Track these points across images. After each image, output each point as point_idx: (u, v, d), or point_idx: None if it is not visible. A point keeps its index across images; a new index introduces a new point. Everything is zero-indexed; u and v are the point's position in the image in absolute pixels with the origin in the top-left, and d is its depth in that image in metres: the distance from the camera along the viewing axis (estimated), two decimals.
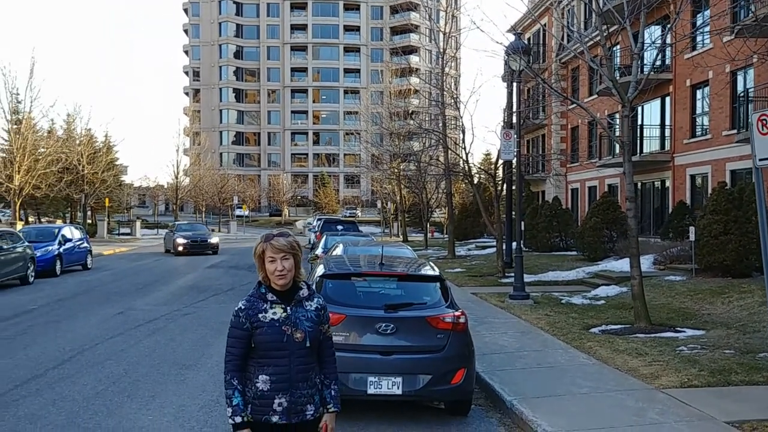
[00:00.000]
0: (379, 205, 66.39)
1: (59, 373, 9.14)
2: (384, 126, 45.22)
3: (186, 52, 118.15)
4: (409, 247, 13.72)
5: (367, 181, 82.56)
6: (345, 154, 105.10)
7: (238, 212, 72.01)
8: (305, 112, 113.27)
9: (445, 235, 40.47)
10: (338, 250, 13.71)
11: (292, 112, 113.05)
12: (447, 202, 34.20)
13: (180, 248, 33.25)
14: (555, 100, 33.38)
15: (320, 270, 7.94)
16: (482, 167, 34.25)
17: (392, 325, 7.06)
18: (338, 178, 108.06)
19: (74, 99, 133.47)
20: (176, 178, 63.27)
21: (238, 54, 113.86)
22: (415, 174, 38.90)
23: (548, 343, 11.05)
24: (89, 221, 52.30)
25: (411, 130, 38.69)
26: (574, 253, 26.67)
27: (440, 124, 29.57)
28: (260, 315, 3.61)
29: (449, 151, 28.85)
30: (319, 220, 37.92)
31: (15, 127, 38.95)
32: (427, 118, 39.14)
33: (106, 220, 50.34)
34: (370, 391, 6.96)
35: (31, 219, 49.69)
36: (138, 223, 54.21)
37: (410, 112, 45.79)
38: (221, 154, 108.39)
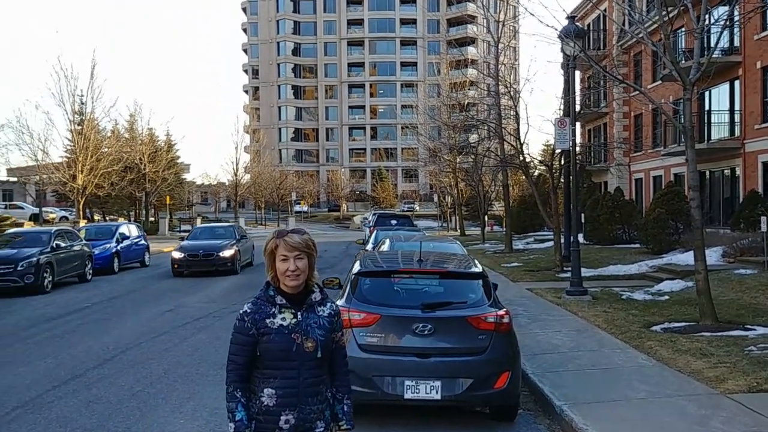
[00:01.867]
0: (435, 198, 65.80)
1: (99, 373, 9.05)
2: (441, 119, 44.65)
3: (245, 51, 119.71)
4: (458, 243, 13.22)
5: (424, 175, 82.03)
6: (402, 149, 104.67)
7: (296, 208, 72.48)
8: (362, 107, 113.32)
9: (505, 229, 39.69)
10: (384, 246, 13.34)
11: (350, 107, 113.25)
12: (503, 194, 33.45)
13: (175, 266, 22.03)
14: (616, 87, 32.21)
15: (356, 267, 7.57)
16: (542, 158, 33.26)
17: (430, 326, 6.64)
18: (396, 172, 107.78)
19: (135, 98, 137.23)
20: (235, 175, 64.02)
21: (296, 51, 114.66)
22: (472, 166, 38.24)
23: (605, 343, 10.43)
24: (152, 219, 53.43)
25: (466, 122, 37.98)
26: (637, 246, 25.62)
27: (495, 115, 28.84)
28: (267, 320, 3.25)
29: (505, 142, 28.12)
30: (374, 215, 37.68)
31: (78, 127, 39.97)
32: (482, 109, 38.42)
33: (167, 217, 51.27)
34: (407, 395, 6.56)
35: (96, 217, 50.98)
36: (198, 220, 55.05)
37: (466, 103, 45.05)
38: (280, 150, 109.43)
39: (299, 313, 3.28)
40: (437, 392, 6.55)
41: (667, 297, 14.60)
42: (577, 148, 20.45)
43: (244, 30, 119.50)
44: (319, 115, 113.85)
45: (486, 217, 44.07)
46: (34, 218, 44.59)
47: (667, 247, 22.18)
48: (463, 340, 6.73)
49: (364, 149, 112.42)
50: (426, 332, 6.63)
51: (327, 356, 3.33)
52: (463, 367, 6.65)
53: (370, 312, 6.79)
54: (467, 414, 7.29)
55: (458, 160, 43.12)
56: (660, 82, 30.27)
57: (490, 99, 32.58)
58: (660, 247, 22.35)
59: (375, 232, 20.57)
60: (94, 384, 8.48)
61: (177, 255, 22.41)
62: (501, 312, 6.93)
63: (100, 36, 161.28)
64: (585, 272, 17.89)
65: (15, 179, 50.53)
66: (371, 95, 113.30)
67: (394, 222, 27.98)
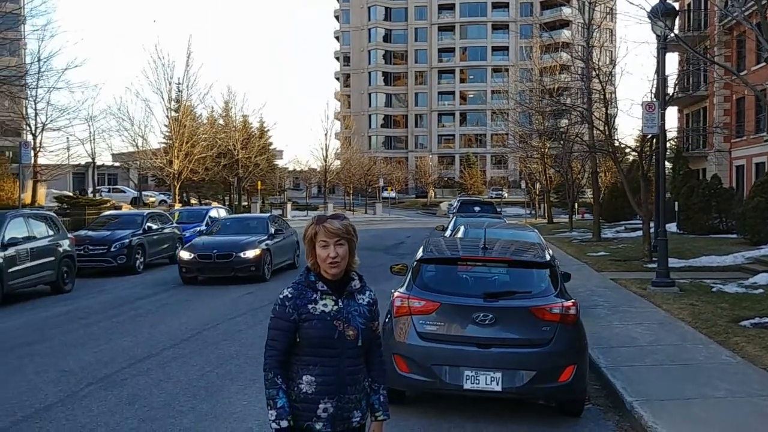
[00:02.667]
0: (523, 185, 64.61)
1: (173, 353, 9.34)
2: (531, 104, 43.71)
3: (337, 38, 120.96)
4: (536, 231, 12.84)
5: (514, 162, 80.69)
6: (492, 134, 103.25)
7: (384, 194, 72.85)
8: (452, 93, 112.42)
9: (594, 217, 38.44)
10: (459, 232, 13.15)
11: (439, 93, 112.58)
12: (592, 181, 32.42)
13: (183, 269, 16.96)
14: (716, 69, 30.50)
15: (419, 254, 7.46)
16: (636, 144, 31.91)
17: (491, 315, 6.46)
18: (485, 158, 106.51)
19: (228, 84, 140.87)
20: (325, 161, 64.93)
21: (387, 37, 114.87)
22: (561, 152, 37.23)
23: (687, 337, 9.91)
24: (244, 203, 54.96)
25: (556, 107, 36.98)
26: (735, 236, 24.29)
27: (585, 99, 27.93)
28: (309, 306, 3.19)
29: (594, 128, 27.19)
30: (458, 201, 37.37)
31: (174, 114, 41.50)
32: (573, 94, 37.31)
33: (259, 202, 52.59)
34: (467, 386, 6.41)
35: (193, 201, 52.89)
36: (289, 205, 56.27)
37: (557, 88, 43.86)
38: (370, 137, 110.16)
39: (340, 300, 3.22)
40: (498, 384, 6.39)
41: (761, 290, 13.73)
42: (671, 133, 19.53)
43: (337, 17, 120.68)
44: (408, 101, 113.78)
45: (576, 205, 42.92)
46: (135, 202, 46.75)
47: (766, 237, 20.92)
48: (525, 331, 6.53)
49: (453, 135, 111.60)
50: (487, 322, 6.47)
51: (366, 345, 3.29)
52: (525, 358, 6.45)
53: (430, 299, 6.68)
54: (530, 407, 7.07)
55: (547, 145, 42.12)
56: (764, 64, 28.50)
57: (580, 83, 31.66)
58: (758, 237, 21.10)
59: (454, 218, 20.34)
60: (168, 363, 8.75)
61: (185, 256, 17.08)
62: (567, 303, 6.67)
63: (195, 23, 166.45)
64: (675, 263, 17.11)
65: (119, 164, 53.14)
66: (461, 81, 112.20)
67: (477, 209, 27.64)
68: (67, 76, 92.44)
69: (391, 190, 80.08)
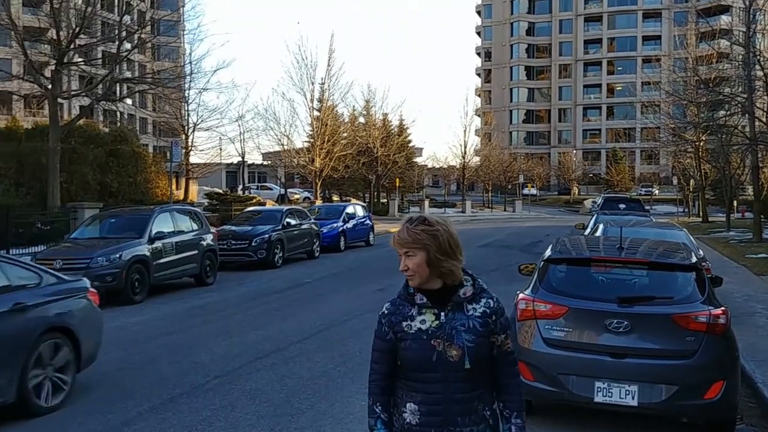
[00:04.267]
0: (675, 182, 60.81)
1: (299, 348, 9.37)
2: (686, 95, 41.02)
3: (478, 33, 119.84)
4: (684, 231, 11.82)
5: (665, 157, 76.25)
6: (642, 128, 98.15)
7: (525, 191, 71.21)
8: (598, 86, 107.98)
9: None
10: (598, 231, 12.36)
11: (585, 86, 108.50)
12: (752, 177, 29.85)
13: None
14: None
15: (546, 253, 6.95)
16: None
17: (626, 322, 5.87)
18: (634, 153, 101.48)
19: (368, 82, 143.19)
20: (463, 158, 64.39)
21: (530, 31, 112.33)
22: (718, 146, 34.62)
23: None
24: (383, 200, 55.61)
25: (712, 97, 34.43)
26: None
27: (745, 88, 25.77)
28: (404, 323, 2.77)
29: (756, 119, 25.00)
30: (602, 198, 35.68)
31: (316, 113, 42.63)
32: (732, 83, 34.57)
33: (397, 199, 53.00)
34: (598, 399, 5.87)
35: (335, 198, 54.23)
36: (426, 202, 56.27)
37: (713, 77, 40.86)
38: (510, 133, 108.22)
39: (443, 313, 2.76)
40: (633, 398, 5.80)
41: None
42: None
43: (478, 12, 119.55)
44: (551, 95, 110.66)
45: (734, 203, 39.78)
46: (280, 199, 48.60)
47: None
48: (666, 341, 5.89)
49: (599, 130, 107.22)
50: (621, 329, 5.88)
51: (480, 367, 2.74)
52: (666, 371, 5.82)
53: (556, 303, 6.18)
54: (671, 425, 6.40)
55: (703, 139, 39.37)
56: None
57: (740, 71, 29.27)
58: None
59: (595, 216, 19.32)
60: (292, 359, 8.78)
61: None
62: (716, 311, 5.94)
63: (335, 21, 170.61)
64: None
65: (267, 163, 55.57)
66: (608, 73, 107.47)
67: (622, 206, 26.13)
68: (216, 78, 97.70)
69: (532, 186, 78.09)
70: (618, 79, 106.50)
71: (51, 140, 22.75)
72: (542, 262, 6.75)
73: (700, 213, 46.54)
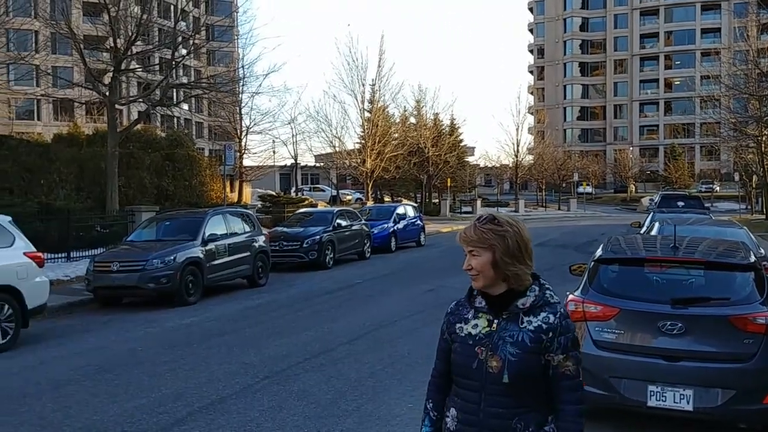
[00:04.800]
0: (737, 178, 58.96)
1: (348, 349, 9.38)
2: (747, 89, 39.69)
3: (530, 30, 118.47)
4: (744, 229, 11.37)
5: (727, 152, 74.00)
6: (701, 123, 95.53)
7: (579, 189, 70.04)
8: (655, 81, 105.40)
9: None
10: (653, 230, 12.03)
11: (641, 81, 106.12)
12: None
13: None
14: None
15: (597, 253, 6.79)
16: None
17: (680, 324, 5.69)
18: (693, 149, 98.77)
19: (419, 82, 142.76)
20: (516, 156, 63.73)
21: (584, 26, 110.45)
22: None
23: None
24: (435, 200, 55.45)
25: None
26: None
27: None
28: (458, 325, 2.69)
29: None
30: (659, 195, 34.80)
31: (367, 114, 42.78)
32: None
33: (449, 199, 52.79)
34: (651, 403, 5.71)
35: (387, 198, 54.31)
36: (478, 202, 55.90)
37: None
38: (564, 130, 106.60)
39: (497, 320, 2.63)
40: (688, 402, 5.62)
41: None
42: None
43: (530, 9, 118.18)
44: (606, 91, 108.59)
45: None
46: (332, 200, 48.93)
47: None
48: (723, 344, 5.69)
49: (657, 126, 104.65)
50: (675, 331, 5.71)
51: (524, 384, 2.56)
52: (722, 375, 5.62)
53: (606, 304, 6.03)
54: (729, 431, 6.16)
55: (765, 134, 38.00)
56: None
57: None
58: None
59: (651, 214, 18.84)
60: (341, 360, 8.79)
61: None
62: None
63: (385, 20, 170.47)
64: None
65: (320, 165, 56.10)
66: (666, 67, 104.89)
67: (680, 204, 25.44)
68: (268, 81, 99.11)
69: (586, 185, 76.76)
70: (676, 74, 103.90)
71: (109, 145, 23.36)
72: (593, 263, 6.59)
73: (764, 210, 45.03)
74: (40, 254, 11.03)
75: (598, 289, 6.26)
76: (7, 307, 9.96)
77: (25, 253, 10.52)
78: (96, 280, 13.80)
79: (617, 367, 5.85)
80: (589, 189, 79.29)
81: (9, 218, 10.87)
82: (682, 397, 5.64)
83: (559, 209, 65.34)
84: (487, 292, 2.65)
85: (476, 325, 2.65)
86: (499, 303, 2.63)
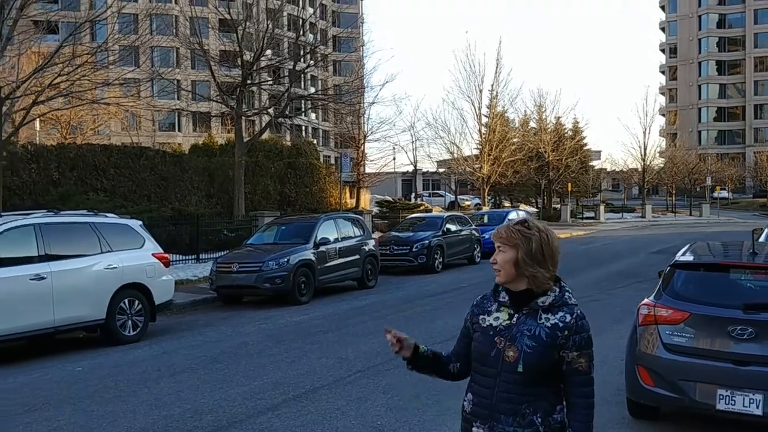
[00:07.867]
0: None
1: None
2: None
3: (662, 29, 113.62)
4: None
5: None
6: None
7: (714, 194, 66.48)
8: None
9: None
10: (762, 236, 11.57)
11: None
12: None
13: None
14: None
15: (675, 258, 6.87)
16: None
17: (751, 329, 5.73)
18: None
19: (538, 85, 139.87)
20: (643, 160, 61.45)
21: (721, 23, 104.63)
22: None
23: None
24: (555, 205, 54.53)
25: None
26: None
27: None
28: (481, 316, 2.99)
29: None
30: None
31: (484, 120, 42.90)
32: None
33: (569, 204, 51.77)
34: (719, 406, 5.78)
35: (506, 204, 54.03)
36: (602, 207, 54.38)
37: None
38: (699, 132, 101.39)
39: (516, 315, 2.88)
40: (758, 407, 5.65)
41: None
42: None
43: (662, 7, 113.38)
44: (746, 90, 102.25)
45: None
46: (451, 205, 49.35)
47: None
48: None
49: None
50: (746, 336, 5.75)
51: (537, 376, 2.79)
52: None
53: (678, 308, 6.14)
54: None
55: None
56: None
57: None
58: None
59: None
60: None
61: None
62: None
63: (503, 23, 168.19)
64: None
65: (441, 170, 56.71)
66: None
67: None
68: (385, 91, 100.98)
69: (720, 189, 72.61)
70: None
71: (237, 155, 25.00)
72: (668, 268, 6.69)
73: None
74: (166, 255, 12.24)
75: (670, 293, 6.36)
76: (137, 302, 11.17)
77: (153, 254, 11.72)
78: (218, 280, 14.99)
79: (687, 371, 5.94)
80: (725, 193, 74.96)
81: (140, 222, 12.14)
82: (751, 401, 5.67)
83: (690, 215, 62.30)
84: (510, 288, 2.92)
85: (497, 318, 2.91)
86: (521, 299, 2.88)
